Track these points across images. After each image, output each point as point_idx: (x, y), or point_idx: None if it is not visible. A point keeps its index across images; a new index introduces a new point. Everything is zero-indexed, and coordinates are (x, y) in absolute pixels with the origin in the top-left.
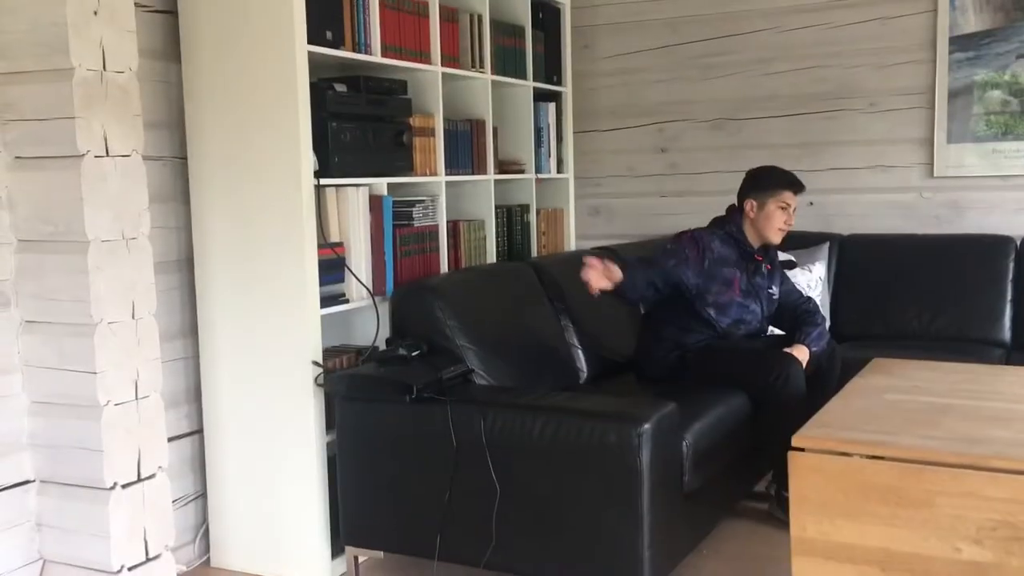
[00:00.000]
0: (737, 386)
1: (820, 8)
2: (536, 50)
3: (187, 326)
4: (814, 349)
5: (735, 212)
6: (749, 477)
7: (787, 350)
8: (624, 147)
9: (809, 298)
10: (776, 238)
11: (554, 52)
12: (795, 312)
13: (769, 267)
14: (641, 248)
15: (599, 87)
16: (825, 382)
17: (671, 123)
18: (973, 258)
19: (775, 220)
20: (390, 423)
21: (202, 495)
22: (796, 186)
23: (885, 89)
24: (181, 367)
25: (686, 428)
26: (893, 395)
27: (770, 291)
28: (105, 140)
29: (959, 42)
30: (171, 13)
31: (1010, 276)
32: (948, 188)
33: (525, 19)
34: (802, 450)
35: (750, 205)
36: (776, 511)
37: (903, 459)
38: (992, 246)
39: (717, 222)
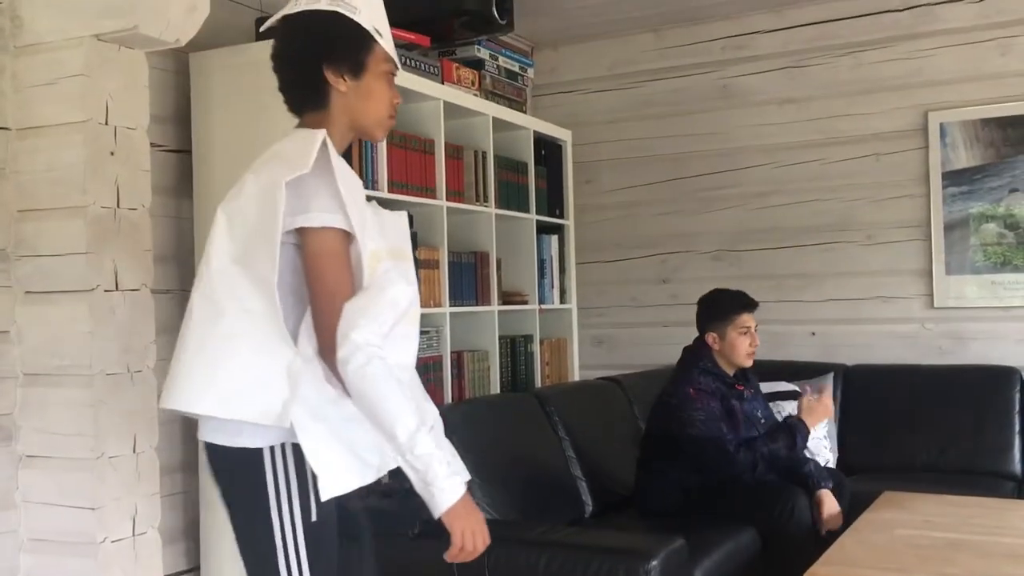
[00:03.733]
0: (744, 521)
1: (816, 145)
2: (539, 185)
3: (188, 459)
4: (829, 487)
5: (702, 345)
6: None
7: (822, 508)
8: (626, 278)
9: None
10: (747, 362)
11: (556, 186)
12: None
13: (751, 391)
14: (644, 378)
15: (601, 219)
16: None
17: (672, 254)
18: (979, 389)
19: (740, 347)
20: (393, 558)
21: None
22: (750, 306)
23: (882, 222)
24: (180, 502)
25: (696, 564)
26: (905, 530)
27: (759, 415)
28: (115, 274)
29: (952, 177)
30: (185, 152)
31: (1017, 408)
32: (949, 319)
33: (528, 156)
34: None
35: (712, 338)
36: None
37: None
38: (997, 377)
39: (690, 356)
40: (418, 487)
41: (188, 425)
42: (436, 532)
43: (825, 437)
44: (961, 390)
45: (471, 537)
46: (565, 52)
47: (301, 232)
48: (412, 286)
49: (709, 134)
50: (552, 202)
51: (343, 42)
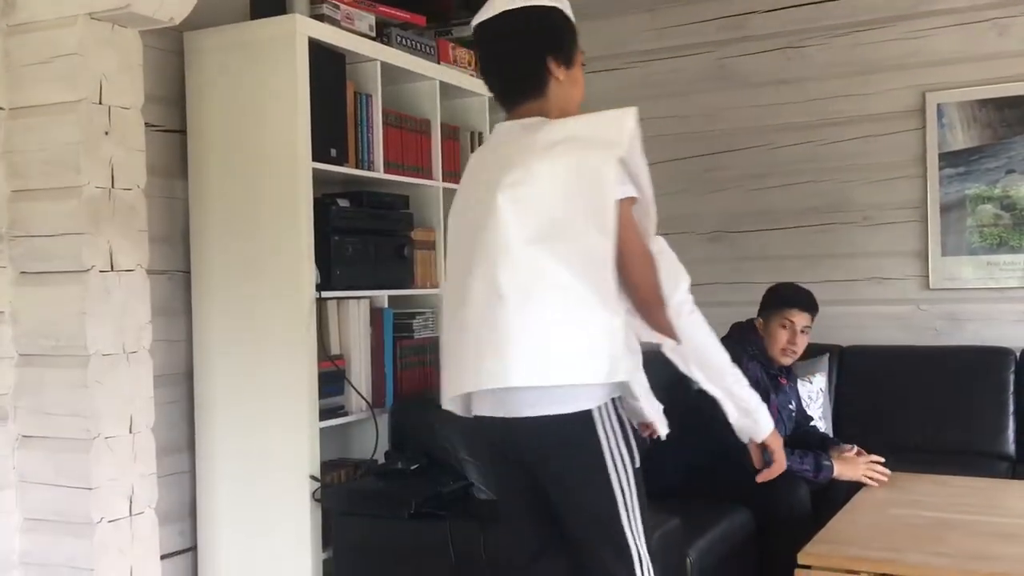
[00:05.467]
0: (741, 503)
1: (813, 126)
2: None
3: (185, 440)
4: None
5: (751, 328)
6: None
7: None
8: None
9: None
10: (780, 357)
11: None
12: (806, 436)
13: (791, 385)
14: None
15: None
16: (832, 494)
17: (667, 236)
18: (974, 370)
19: (778, 339)
20: (389, 539)
21: None
22: (800, 304)
23: (878, 203)
24: (177, 482)
25: (690, 544)
26: (898, 510)
27: (790, 407)
28: (111, 255)
29: (949, 158)
30: (180, 132)
31: (1011, 389)
32: (945, 300)
33: None
34: (808, 567)
35: (759, 322)
36: None
37: None
38: (992, 358)
39: (737, 334)
40: (737, 414)
41: (187, 406)
42: (431, 513)
43: (820, 418)
44: (956, 371)
45: (783, 457)
46: None
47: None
48: None
49: (705, 115)
50: None
51: (564, 35)
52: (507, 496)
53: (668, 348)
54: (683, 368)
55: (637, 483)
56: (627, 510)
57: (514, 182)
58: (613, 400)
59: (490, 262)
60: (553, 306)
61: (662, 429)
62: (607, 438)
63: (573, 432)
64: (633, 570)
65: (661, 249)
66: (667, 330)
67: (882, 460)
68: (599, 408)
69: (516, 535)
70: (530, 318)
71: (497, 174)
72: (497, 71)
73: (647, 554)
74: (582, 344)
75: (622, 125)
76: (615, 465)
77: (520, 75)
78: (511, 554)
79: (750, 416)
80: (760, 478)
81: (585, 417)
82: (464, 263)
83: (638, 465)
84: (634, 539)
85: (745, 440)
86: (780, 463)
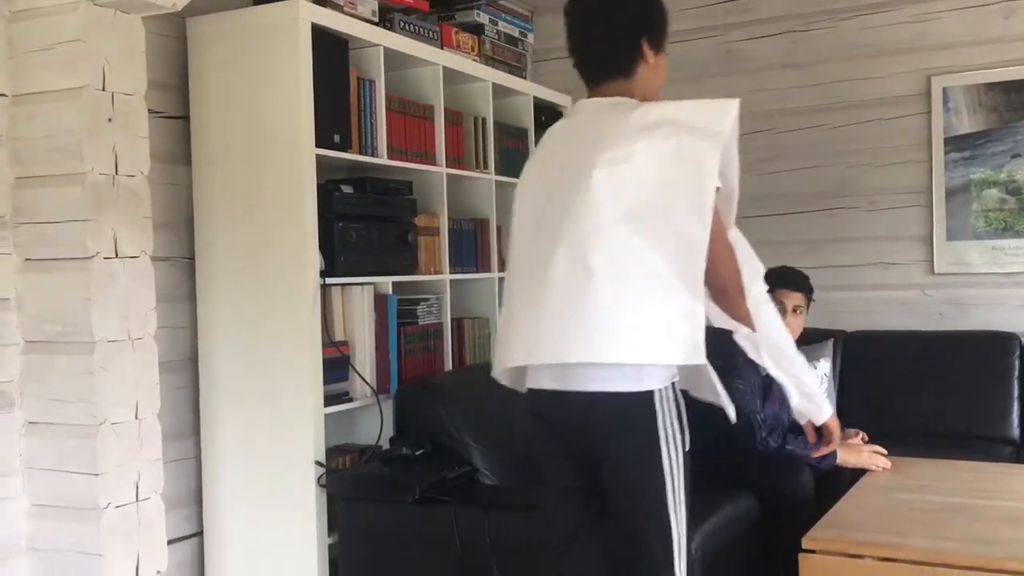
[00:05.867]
0: (745, 488)
1: (818, 110)
2: None
3: (190, 426)
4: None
5: None
6: None
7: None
8: None
9: None
10: None
11: None
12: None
13: None
14: None
15: None
16: (835, 480)
17: None
18: (978, 355)
19: None
20: (393, 524)
21: None
22: (790, 284)
23: (884, 188)
24: (183, 468)
25: (695, 529)
26: (903, 494)
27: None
28: (115, 242)
29: (954, 142)
30: (183, 119)
31: (1016, 373)
32: (950, 285)
33: (528, 122)
34: (813, 552)
35: None
36: None
37: (916, 561)
38: (997, 343)
39: None
40: (799, 398)
41: (192, 392)
42: (436, 498)
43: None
44: (961, 356)
45: (839, 437)
46: None
47: None
48: None
49: (712, 97)
50: None
51: (660, 20)
52: (551, 473)
53: (741, 335)
54: (752, 354)
55: (685, 466)
56: (673, 491)
57: (611, 160)
58: (672, 384)
59: (580, 238)
60: (640, 286)
61: (731, 412)
62: (663, 419)
63: (634, 411)
64: (671, 551)
65: (737, 240)
66: (746, 319)
67: (884, 452)
68: (660, 390)
69: (555, 513)
70: (618, 297)
71: (590, 151)
72: (590, 47)
73: (685, 537)
74: (665, 325)
75: (725, 115)
76: (668, 446)
77: (613, 54)
78: (549, 534)
79: (812, 400)
80: (815, 454)
81: (647, 397)
82: (547, 236)
83: (688, 449)
84: (676, 521)
85: (803, 422)
86: (835, 443)
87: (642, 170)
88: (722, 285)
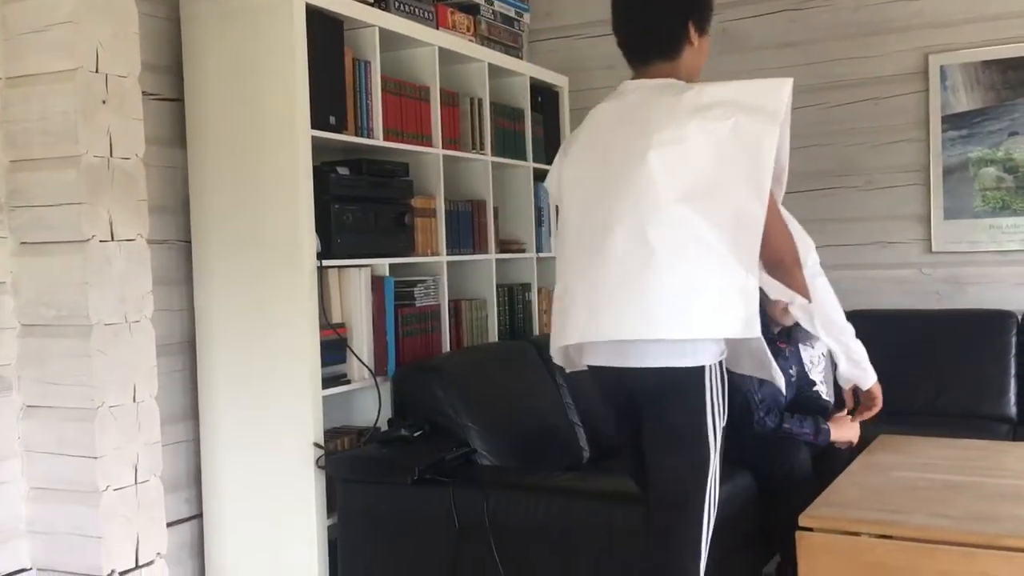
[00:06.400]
0: (742, 466)
1: (816, 89)
2: (535, 132)
3: (188, 409)
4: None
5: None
6: (758, 558)
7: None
8: None
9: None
10: (781, 318)
11: (553, 133)
12: (807, 402)
13: (791, 350)
14: None
15: None
16: (832, 458)
17: None
18: (976, 334)
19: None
20: (392, 505)
21: None
22: None
23: (882, 167)
24: (182, 450)
25: None
26: (901, 472)
27: (791, 372)
28: (111, 225)
29: (952, 121)
30: (178, 101)
31: (1013, 351)
32: (947, 263)
33: (524, 102)
34: (810, 530)
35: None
36: None
37: (914, 538)
38: (994, 321)
39: None
40: (848, 365)
41: (189, 375)
42: (434, 479)
43: (822, 382)
44: (958, 334)
45: (880, 402)
46: None
47: None
48: None
49: (708, 79)
50: (549, 150)
51: (706, 3)
52: (620, 438)
53: (796, 306)
54: (806, 323)
55: (724, 437)
56: (713, 462)
57: (667, 140)
58: (720, 360)
59: (639, 217)
60: (697, 263)
61: (780, 383)
62: (711, 392)
63: (685, 383)
64: (700, 520)
65: (787, 217)
66: (802, 289)
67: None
68: (711, 366)
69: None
70: (677, 274)
71: (643, 132)
72: (636, 28)
73: (717, 499)
74: (721, 301)
75: (780, 95)
76: (713, 418)
77: (660, 35)
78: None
79: (859, 367)
80: (856, 418)
81: (699, 372)
82: (602, 216)
83: (726, 423)
84: (712, 485)
85: (847, 387)
86: (876, 408)
87: (697, 150)
88: (779, 258)
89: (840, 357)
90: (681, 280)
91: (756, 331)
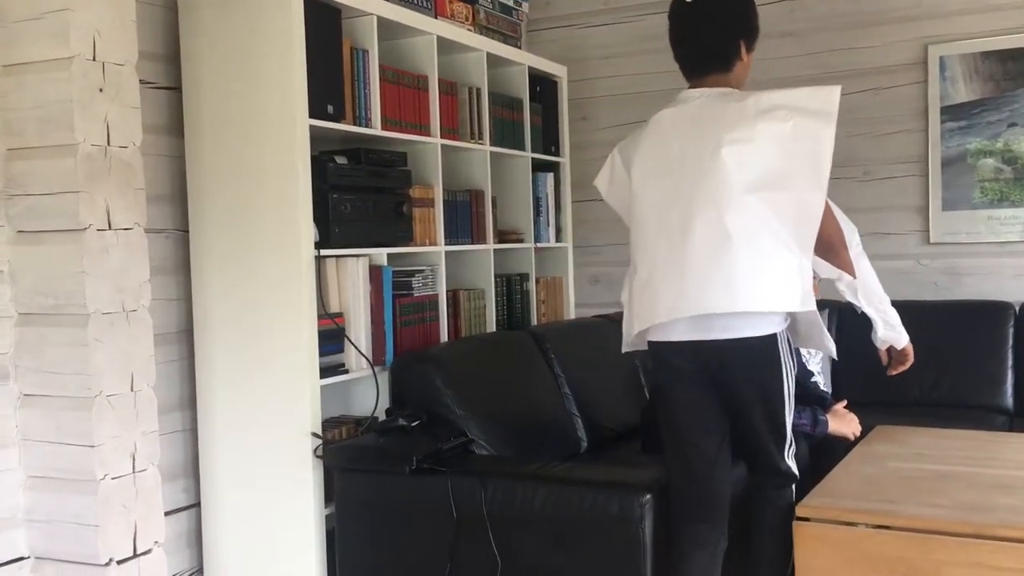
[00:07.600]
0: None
1: (813, 79)
2: (534, 122)
3: (186, 398)
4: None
5: None
6: None
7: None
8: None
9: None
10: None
11: (552, 124)
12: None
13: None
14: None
15: (597, 157)
16: (830, 449)
17: None
18: (973, 324)
19: None
20: (390, 495)
21: (199, 571)
22: None
23: (879, 158)
24: (179, 440)
25: None
26: (896, 463)
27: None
28: (108, 213)
29: (951, 111)
30: (175, 89)
31: (1010, 342)
32: (945, 255)
33: (523, 92)
34: (806, 520)
35: None
36: None
37: (909, 528)
38: (991, 312)
39: None
40: (884, 328)
41: (187, 364)
42: (432, 468)
43: (819, 373)
44: (955, 325)
45: (912, 357)
46: None
47: None
48: None
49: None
50: (547, 139)
51: (754, 24)
52: (687, 416)
53: (843, 283)
54: (850, 297)
55: (793, 393)
56: (789, 405)
57: (736, 139)
58: (784, 328)
59: (716, 206)
60: (767, 246)
61: (832, 351)
62: (783, 355)
63: (764, 349)
64: (786, 454)
65: (831, 205)
66: (848, 267)
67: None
68: (780, 332)
69: (695, 448)
70: (751, 255)
71: (714, 132)
72: (695, 45)
73: (793, 440)
74: (786, 279)
75: (832, 99)
76: (787, 375)
77: (716, 51)
78: (687, 467)
79: (894, 329)
80: (892, 372)
81: (772, 339)
82: (680, 208)
83: (795, 380)
84: (790, 430)
85: (883, 347)
86: (908, 363)
87: (763, 147)
88: (830, 242)
89: (878, 323)
90: (755, 261)
91: (812, 305)
